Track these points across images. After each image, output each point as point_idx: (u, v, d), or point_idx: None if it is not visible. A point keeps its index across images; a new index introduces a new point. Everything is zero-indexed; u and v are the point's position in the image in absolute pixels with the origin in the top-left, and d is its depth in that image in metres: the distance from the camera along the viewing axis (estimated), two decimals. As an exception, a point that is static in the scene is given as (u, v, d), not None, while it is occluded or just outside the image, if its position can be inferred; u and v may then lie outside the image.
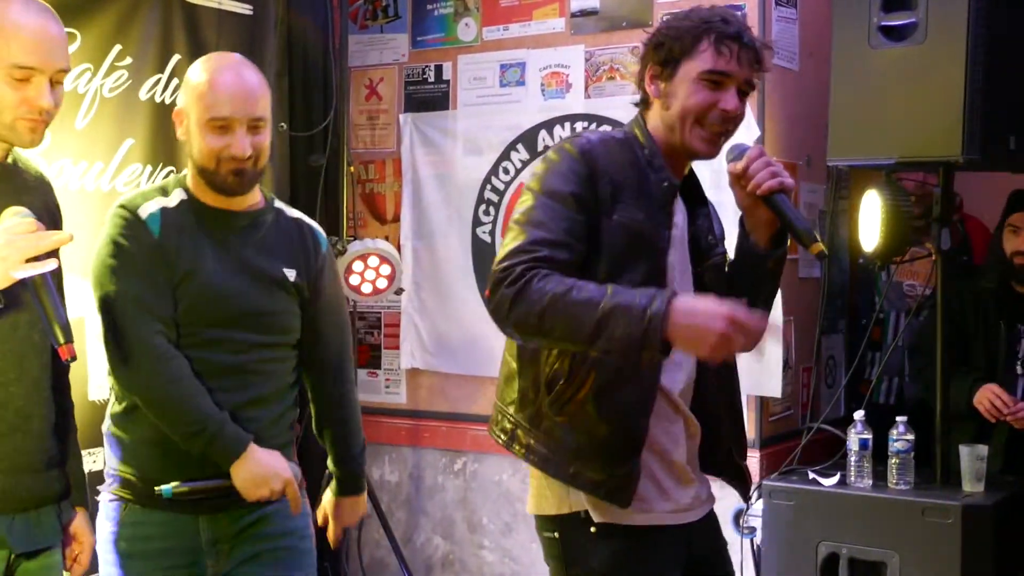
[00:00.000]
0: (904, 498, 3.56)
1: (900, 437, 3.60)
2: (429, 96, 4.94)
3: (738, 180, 2.40)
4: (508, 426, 2.53)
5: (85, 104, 4.03)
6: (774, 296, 2.61)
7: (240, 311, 2.67)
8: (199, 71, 2.65)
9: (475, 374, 4.67)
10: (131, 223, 2.64)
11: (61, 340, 2.24)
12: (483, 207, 4.78)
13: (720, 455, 2.61)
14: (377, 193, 5.12)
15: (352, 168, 5.01)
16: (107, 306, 2.66)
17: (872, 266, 4.53)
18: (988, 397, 3.76)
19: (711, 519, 2.67)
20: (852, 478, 3.66)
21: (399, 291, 4.61)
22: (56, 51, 2.41)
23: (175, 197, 2.68)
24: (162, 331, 2.58)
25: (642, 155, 2.49)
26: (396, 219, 5.05)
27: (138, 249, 2.62)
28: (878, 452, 3.66)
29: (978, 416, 3.95)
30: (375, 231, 5.07)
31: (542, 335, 2.28)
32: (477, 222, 4.80)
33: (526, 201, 2.40)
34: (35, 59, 2.35)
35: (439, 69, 4.92)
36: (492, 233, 4.76)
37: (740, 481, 2.68)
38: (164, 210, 2.65)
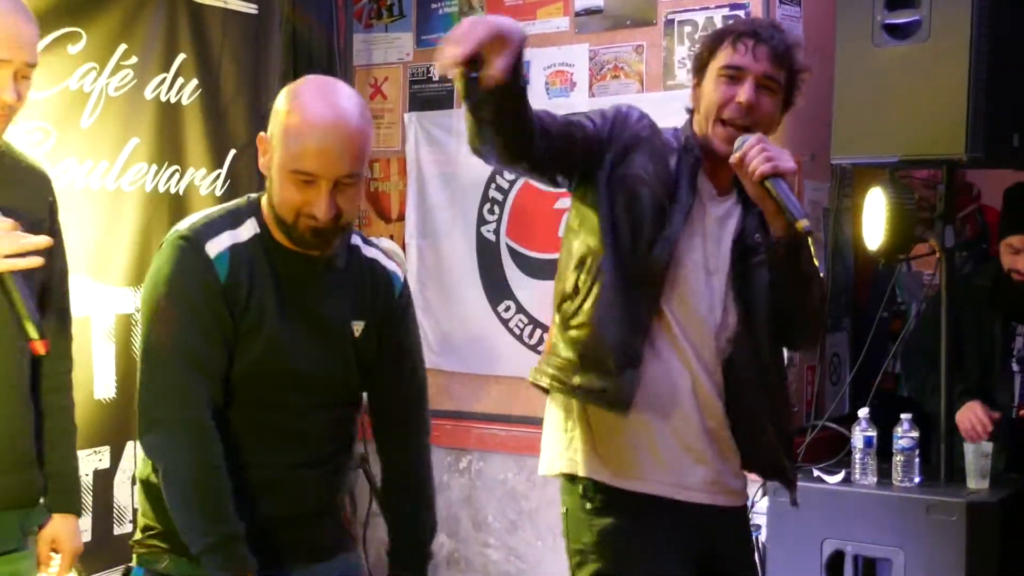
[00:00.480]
0: (909, 495, 3.55)
1: (905, 434, 3.60)
2: (434, 95, 4.94)
3: (739, 169, 2.42)
4: (540, 365, 2.68)
5: (91, 103, 4.02)
6: (810, 286, 2.57)
7: (302, 372, 2.34)
8: (292, 102, 2.25)
9: (480, 373, 4.67)
10: (195, 261, 2.25)
11: (34, 335, 2.19)
12: (487, 206, 4.78)
13: (759, 461, 2.63)
14: (382, 192, 5.12)
15: (357, 167, 5.00)
16: (153, 353, 2.30)
17: (879, 263, 4.52)
18: (969, 417, 3.72)
19: (738, 517, 2.68)
20: (857, 475, 3.65)
21: (404, 289, 4.61)
22: (24, 45, 2.36)
23: (247, 230, 2.31)
24: (209, 395, 2.24)
25: (676, 140, 2.59)
26: (401, 218, 5.05)
27: (200, 296, 2.24)
28: (883, 449, 3.66)
29: None
30: (380, 230, 5.07)
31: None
32: (482, 221, 4.79)
33: None
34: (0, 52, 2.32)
35: (443, 68, 4.90)
36: (496, 232, 4.75)
37: (786, 482, 2.69)
38: (234, 248, 2.27)
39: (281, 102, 2.26)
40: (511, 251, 4.70)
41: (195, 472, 2.20)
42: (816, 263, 2.58)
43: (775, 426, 2.61)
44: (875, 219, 3.98)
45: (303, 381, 2.33)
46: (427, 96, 4.96)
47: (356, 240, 2.50)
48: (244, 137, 4.59)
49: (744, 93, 2.48)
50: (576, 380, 2.55)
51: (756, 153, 2.37)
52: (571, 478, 2.60)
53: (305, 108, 2.22)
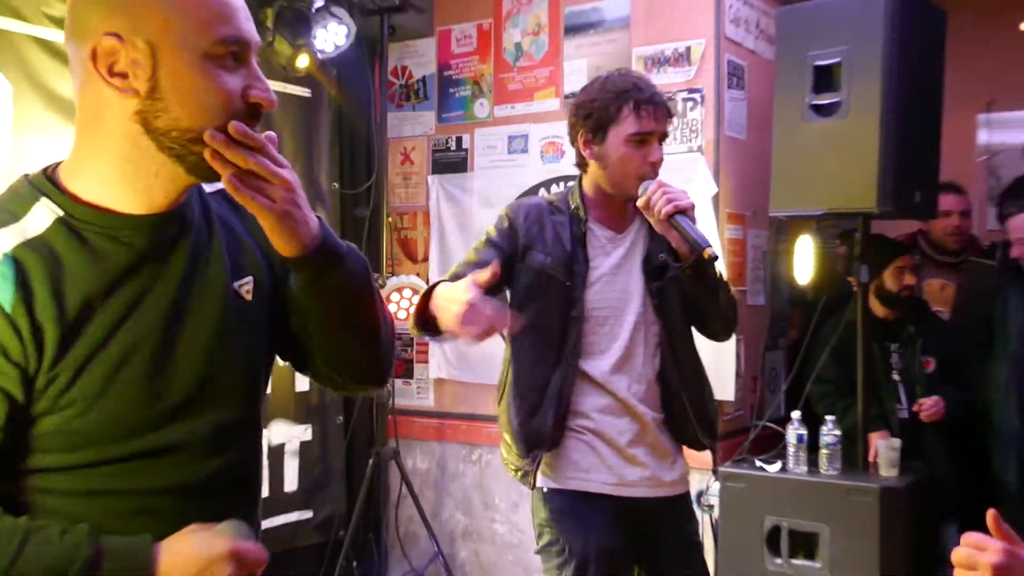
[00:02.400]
0: (833, 481, 3.56)
1: (829, 432, 3.62)
2: (452, 161, 4.98)
3: (647, 211, 2.40)
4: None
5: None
6: (719, 296, 2.55)
7: None
8: None
9: (489, 382, 4.64)
10: None
11: None
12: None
13: (687, 434, 2.63)
14: (410, 238, 5.15)
15: (390, 218, 5.05)
16: None
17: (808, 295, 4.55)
18: (878, 446, 3.71)
19: (673, 502, 2.66)
20: (791, 465, 3.66)
21: (428, 316, 4.62)
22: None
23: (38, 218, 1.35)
24: None
25: (570, 209, 2.57)
26: (425, 259, 5.07)
27: None
28: (811, 444, 3.67)
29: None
30: (408, 269, 5.10)
31: None
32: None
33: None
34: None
35: (459, 140, 4.96)
36: (502, 270, 4.77)
37: (707, 448, 2.71)
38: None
39: None
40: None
41: None
42: (720, 275, 2.56)
43: (695, 409, 2.61)
44: (804, 260, 4.03)
45: None
46: (446, 162, 5.00)
47: None
48: (300, 194, 4.62)
49: (655, 154, 2.48)
50: (503, 453, 2.70)
51: (658, 197, 2.35)
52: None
53: None
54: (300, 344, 1.48)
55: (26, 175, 1.31)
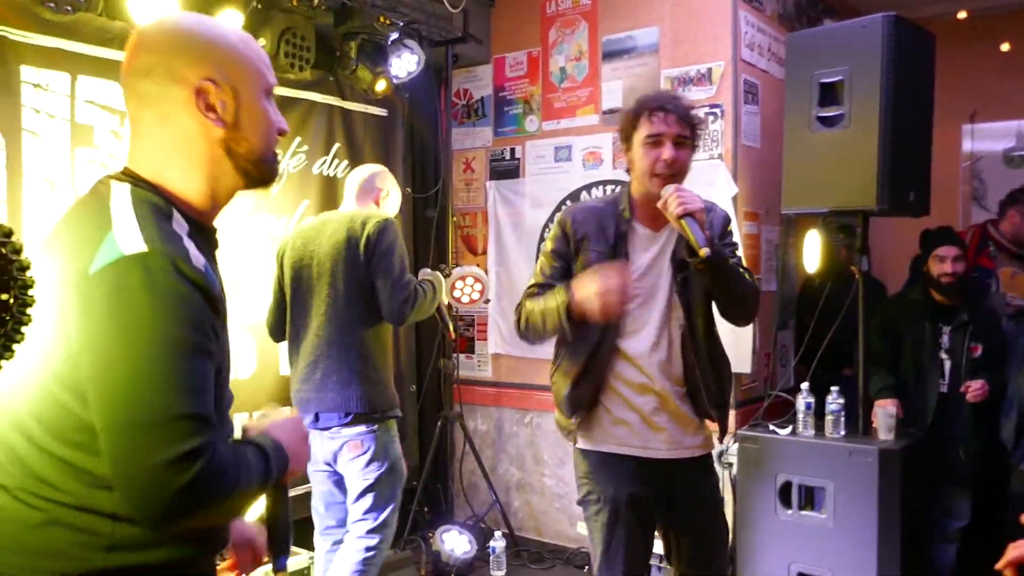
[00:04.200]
0: (837, 443, 3.48)
1: (834, 401, 3.54)
2: (506, 169, 4.94)
3: (664, 211, 2.34)
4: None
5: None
6: (732, 288, 2.47)
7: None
8: (209, 31, 1.40)
9: (539, 357, 4.65)
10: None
11: None
12: (542, 244, 4.76)
13: (702, 407, 2.56)
14: (471, 235, 5.13)
15: (454, 218, 5.03)
16: None
17: (815, 281, 4.44)
18: (877, 413, 3.61)
19: (695, 462, 2.60)
20: (800, 429, 3.59)
21: (487, 301, 4.60)
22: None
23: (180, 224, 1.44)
24: None
25: (618, 211, 2.53)
26: (484, 252, 5.05)
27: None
28: (818, 411, 3.60)
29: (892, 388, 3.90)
30: (470, 260, 5.07)
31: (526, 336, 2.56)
32: (538, 253, 4.77)
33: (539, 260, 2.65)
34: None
35: (513, 150, 4.92)
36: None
37: (715, 420, 2.62)
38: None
39: (200, 37, 1.37)
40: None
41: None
42: (737, 268, 2.48)
43: (707, 390, 2.53)
44: (812, 252, 3.94)
45: None
46: (502, 170, 4.97)
47: None
48: (378, 198, 4.63)
49: (667, 152, 2.40)
50: (557, 415, 2.66)
51: (673, 199, 2.29)
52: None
53: (228, 32, 1.41)
54: None
55: (156, 201, 1.34)
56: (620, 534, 2.51)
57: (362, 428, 3.16)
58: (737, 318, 2.61)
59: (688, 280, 2.49)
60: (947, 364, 3.90)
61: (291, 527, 1.53)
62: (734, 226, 2.71)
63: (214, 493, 1.20)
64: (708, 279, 2.41)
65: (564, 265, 2.54)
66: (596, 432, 2.55)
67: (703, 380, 2.52)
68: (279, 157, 1.46)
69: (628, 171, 2.56)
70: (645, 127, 2.43)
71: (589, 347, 2.49)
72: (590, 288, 2.27)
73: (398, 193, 3.51)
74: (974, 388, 3.72)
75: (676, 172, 2.42)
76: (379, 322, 3.19)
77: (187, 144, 1.36)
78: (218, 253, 1.46)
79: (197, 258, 1.27)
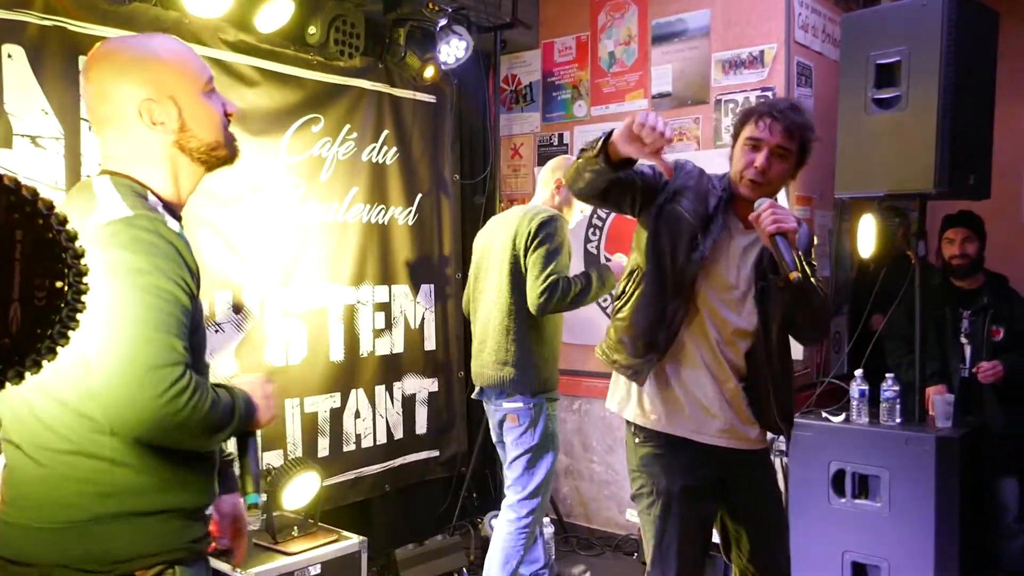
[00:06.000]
0: (893, 431, 3.41)
1: (889, 388, 3.47)
2: (555, 155, 4.89)
3: (756, 225, 2.28)
4: (601, 342, 2.67)
5: (327, 164, 4.10)
6: (812, 310, 2.41)
7: None
8: (147, 51, 1.60)
9: (586, 343, 4.63)
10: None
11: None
12: (591, 230, 4.73)
13: (768, 420, 2.50)
14: (519, 221, 5.11)
15: (502, 204, 5.01)
16: None
17: (870, 266, 4.36)
18: (934, 400, 3.52)
19: (753, 456, 2.55)
20: (854, 416, 3.53)
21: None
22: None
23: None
24: None
25: (719, 185, 2.49)
26: (532, 238, 5.02)
27: None
28: (872, 399, 3.53)
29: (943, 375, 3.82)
30: (518, 247, 5.05)
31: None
32: (587, 240, 4.75)
33: None
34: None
35: (561, 136, 4.89)
36: (597, 247, 4.70)
37: (783, 433, 2.56)
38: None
39: (135, 61, 1.56)
40: (607, 260, 4.64)
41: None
42: (817, 286, 2.40)
43: (777, 400, 2.49)
44: (867, 236, 3.87)
45: None
46: (549, 155, 4.92)
47: None
48: (427, 185, 4.63)
49: (760, 159, 2.37)
50: (614, 356, 2.57)
51: (767, 215, 2.24)
52: (627, 421, 2.59)
53: (159, 48, 1.60)
54: None
55: (133, 184, 1.57)
56: (673, 527, 2.47)
57: (518, 404, 3.46)
58: (807, 339, 2.61)
59: (766, 290, 2.45)
60: (968, 349, 3.85)
61: (258, 469, 1.71)
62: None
63: (190, 405, 1.41)
64: (788, 298, 2.37)
65: (652, 181, 2.43)
66: (650, 410, 2.50)
67: (774, 394, 2.48)
68: (234, 138, 1.67)
69: (730, 160, 2.53)
70: (749, 128, 2.41)
71: (665, 300, 2.44)
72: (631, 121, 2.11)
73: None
74: (985, 369, 3.68)
75: (767, 182, 2.39)
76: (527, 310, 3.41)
77: (146, 150, 1.59)
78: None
79: (174, 224, 1.52)
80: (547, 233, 3.37)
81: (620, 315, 2.55)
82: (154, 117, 1.56)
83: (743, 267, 2.45)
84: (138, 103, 1.55)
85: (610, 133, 2.18)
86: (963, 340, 3.88)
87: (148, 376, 1.38)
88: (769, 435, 2.59)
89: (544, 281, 3.30)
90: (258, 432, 1.69)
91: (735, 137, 2.48)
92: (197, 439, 1.48)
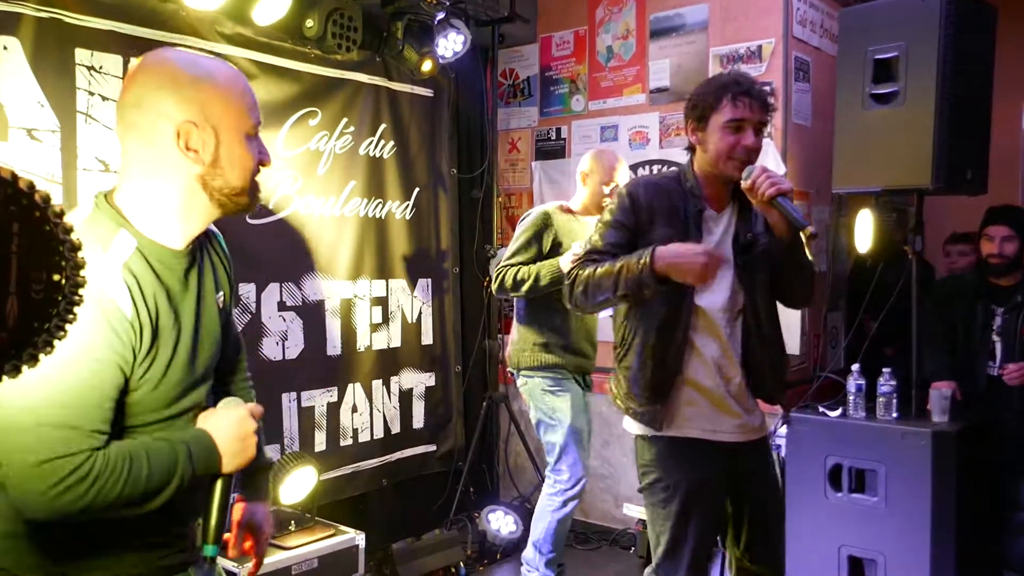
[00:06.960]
0: (889, 425, 3.41)
1: (886, 383, 3.47)
2: (552, 149, 4.91)
3: (750, 192, 2.32)
4: (611, 382, 2.64)
5: (324, 158, 4.09)
6: (805, 270, 2.48)
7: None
8: (194, 74, 1.45)
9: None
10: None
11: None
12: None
13: (765, 391, 2.54)
14: (517, 215, 5.06)
15: (500, 199, 5.00)
16: None
17: (867, 262, 4.36)
18: (932, 395, 3.51)
19: (757, 445, 2.58)
20: (851, 411, 3.53)
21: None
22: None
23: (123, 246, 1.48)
24: None
25: (685, 188, 2.48)
26: (530, 233, 5.01)
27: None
28: (869, 393, 3.53)
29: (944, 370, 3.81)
30: (516, 241, 5.05)
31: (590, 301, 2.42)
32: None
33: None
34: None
35: (559, 130, 4.88)
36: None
37: (778, 403, 2.61)
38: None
39: (188, 78, 1.43)
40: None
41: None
42: (808, 253, 2.47)
43: (772, 371, 2.52)
44: (864, 232, 3.86)
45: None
46: (547, 150, 4.93)
47: None
48: (425, 179, 4.62)
49: (749, 139, 2.38)
50: (629, 404, 2.55)
51: (763, 180, 2.28)
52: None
53: (217, 73, 1.47)
54: None
55: (100, 201, 1.46)
56: (691, 526, 2.47)
57: (521, 380, 3.87)
58: (801, 301, 2.64)
59: (748, 264, 2.47)
60: (999, 346, 3.81)
61: (226, 519, 1.50)
62: None
63: (91, 492, 1.29)
64: (788, 260, 2.41)
65: (629, 236, 2.44)
66: (663, 419, 2.50)
67: (768, 366, 2.51)
68: (260, 188, 1.53)
69: (689, 149, 2.52)
70: (728, 111, 2.38)
71: (665, 332, 2.44)
72: (687, 250, 2.26)
73: (600, 169, 3.76)
74: (1011, 371, 3.65)
75: (751, 159, 2.41)
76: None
77: (166, 172, 1.44)
78: (190, 273, 1.52)
79: (124, 278, 1.37)
80: (522, 227, 3.71)
81: (624, 363, 2.54)
82: (190, 142, 1.42)
83: (723, 248, 2.47)
84: (177, 123, 1.41)
85: (652, 253, 2.27)
86: (995, 337, 3.84)
87: (36, 471, 1.27)
88: (769, 427, 2.61)
89: (495, 269, 3.72)
90: (232, 475, 1.50)
91: (702, 119, 2.43)
92: (117, 512, 1.35)
